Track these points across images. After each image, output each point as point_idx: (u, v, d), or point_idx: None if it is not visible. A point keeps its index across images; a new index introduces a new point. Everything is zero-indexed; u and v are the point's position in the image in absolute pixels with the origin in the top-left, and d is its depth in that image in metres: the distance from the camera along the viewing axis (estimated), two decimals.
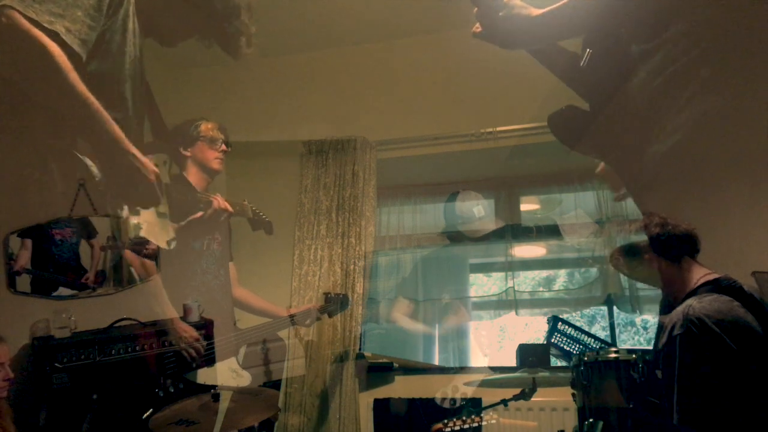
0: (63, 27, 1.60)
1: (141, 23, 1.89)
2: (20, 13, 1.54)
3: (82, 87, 1.67)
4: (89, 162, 1.83)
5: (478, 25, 1.73)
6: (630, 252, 1.90)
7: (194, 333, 2.29)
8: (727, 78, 1.73)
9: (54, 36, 1.59)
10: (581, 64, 1.80)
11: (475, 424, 2.28)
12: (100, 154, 1.83)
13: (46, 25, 1.57)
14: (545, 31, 1.70)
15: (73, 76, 1.64)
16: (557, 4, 1.65)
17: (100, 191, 1.88)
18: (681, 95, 1.69)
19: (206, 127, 2.69)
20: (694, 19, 1.65)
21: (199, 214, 2.46)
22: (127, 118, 1.85)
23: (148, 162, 1.92)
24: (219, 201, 2.54)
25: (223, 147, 2.71)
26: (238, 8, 2.05)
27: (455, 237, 3.72)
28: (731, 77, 1.73)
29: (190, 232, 2.48)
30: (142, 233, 2.03)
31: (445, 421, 2.30)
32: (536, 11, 1.66)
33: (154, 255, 2.20)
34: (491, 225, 3.59)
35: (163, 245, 2.13)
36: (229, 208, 2.58)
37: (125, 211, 2.00)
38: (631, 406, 1.98)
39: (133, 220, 2.00)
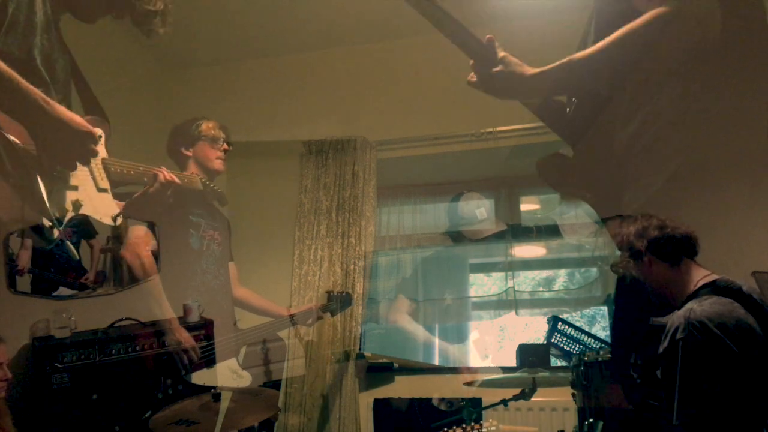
0: None
1: None
2: None
3: None
4: (12, 138, 1.73)
5: (473, 74, 1.81)
6: (628, 255, 1.90)
7: (190, 339, 2.27)
8: (726, 79, 1.74)
9: None
10: (567, 112, 1.91)
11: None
12: (26, 123, 1.73)
13: None
14: (537, 89, 1.79)
15: None
16: (550, 66, 1.73)
17: (28, 164, 1.76)
18: (655, 132, 1.78)
19: (207, 126, 2.68)
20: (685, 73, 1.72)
21: (145, 188, 2.24)
22: (47, 92, 1.74)
23: (79, 120, 1.82)
24: (164, 173, 2.30)
25: (225, 146, 2.70)
26: None
27: (458, 237, 3.72)
28: (730, 78, 1.74)
29: (173, 217, 2.38)
30: (83, 210, 1.91)
31: (445, 429, 2.30)
32: (530, 70, 1.73)
33: (155, 255, 2.20)
34: (493, 227, 3.58)
35: (107, 221, 2.02)
36: (176, 180, 2.33)
37: (70, 180, 1.90)
38: (630, 407, 1.98)
39: (71, 196, 1.88)
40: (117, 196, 2.06)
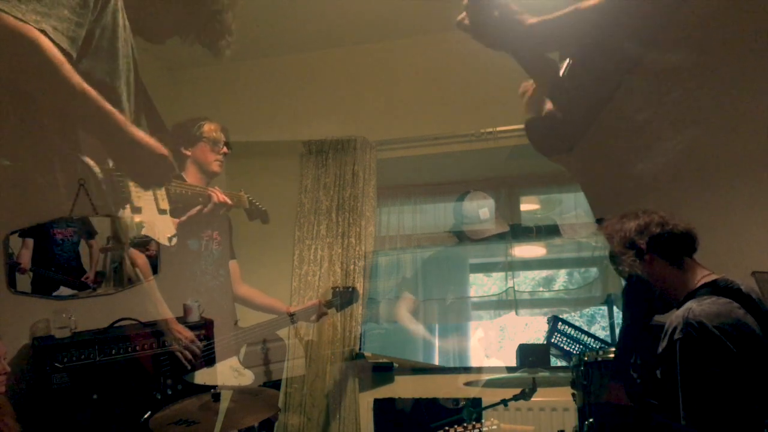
0: (50, 26, 1.59)
1: (130, 20, 1.87)
2: (7, 13, 1.53)
3: (77, 78, 1.65)
4: (91, 162, 1.82)
5: (465, 15, 1.67)
6: (631, 253, 1.89)
7: (190, 335, 2.28)
8: (727, 78, 1.73)
9: (42, 34, 1.58)
10: (561, 73, 1.79)
11: (476, 431, 2.28)
12: (107, 143, 1.82)
13: (33, 24, 1.56)
14: (536, 40, 1.67)
15: (67, 68, 1.62)
16: (552, 15, 1.62)
17: (105, 189, 1.86)
18: (672, 121, 1.73)
19: (209, 128, 2.68)
20: (688, 35, 1.66)
21: (198, 208, 2.41)
22: (123, 114, 1.84)
23: (155, 142, 1.90)
24: (218, 194, 2.47)
25: (224, 149, 2.70)
26: (225, 6, 2.04)
27: (463, 236, 3.72)
28: (731, 78, 1.73)
29: (191, 228, 2.46)
30: (144, 231, 2.02)
31: (446, 428, 2.30)
32: (531, 19, 1.63)
33: (155, 256, 2.20)
34: (496, 228, 3.58)
35: (164, 242, 2.11)
36: (229, 201, 2.52)
37: (135, 202, 1.98)
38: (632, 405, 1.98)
39: (136, 218, 1.99)
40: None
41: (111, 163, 1.87)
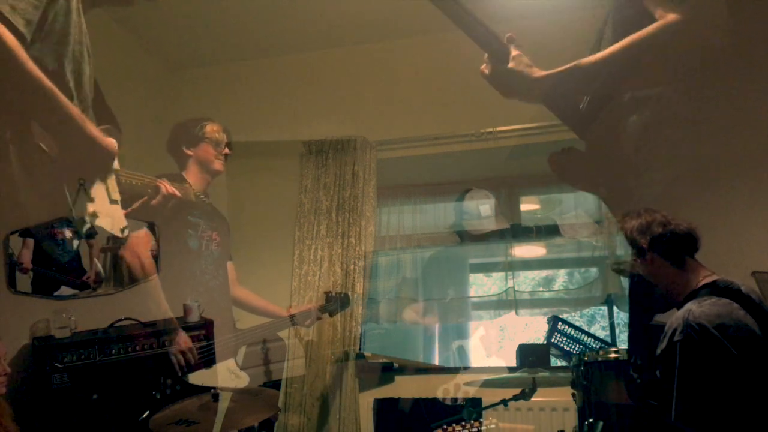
0: (8, 6, 1.53)
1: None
2: None
3: (32, 66, 1.60)
4: (43, 146, 1.77)
5: (485, 66, 1.82)
6: (632, 252, 1.90)
7: (189, 342, 2.27)
8: (729, 81, 1.74)
9: None
10: (581, 107, 1.93)
11: (475, 429, 2.28)
12: (55, 132, 1.77)
13: None
14: (542, 92, 1.79)
15: (22, 55, 1.58)
16: (556, 70, 1.74)
17: (54, 174, 1.82)
18: (662, 157, 1.80)
19: (212, 129, 2.69)
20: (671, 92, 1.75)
21: (143, 199, 2.34)
22: (71, 101, 1.79)
23: (104, 137, 1.89)
24: (166, 186, 2.41)
25: (226, 150, 2.71)
26: None
27: (464, 236, 3.72)
28: (733, 80, 1.74)
29: (146, 217, 2.41)
30: (97, 222, 1.98)
31: (445, 426, 2.30)
32: (537, 72, 1.75)
33: (154, 256, 2.20)
34: (497, 224, 3.58)
35: (117, 233, 2.07)
36: (177, 193, 2.45)
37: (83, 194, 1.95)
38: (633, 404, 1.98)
39: (89, 208, 1.95)
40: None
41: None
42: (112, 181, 2.04)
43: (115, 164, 2.05)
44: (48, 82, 1.65)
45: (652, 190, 1.85)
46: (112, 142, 1.93)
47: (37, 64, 1.63)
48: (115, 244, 2.13)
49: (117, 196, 2.05)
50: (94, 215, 1.95)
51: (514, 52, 1.76)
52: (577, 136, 2.03)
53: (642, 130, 1.83)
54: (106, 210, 1.99)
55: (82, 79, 1.85)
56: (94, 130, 1.83)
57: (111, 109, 2.11)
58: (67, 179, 1.85)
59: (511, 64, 1.75)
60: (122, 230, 2.08)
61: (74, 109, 1.75)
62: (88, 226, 1.94)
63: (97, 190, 1.98)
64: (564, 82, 1.75)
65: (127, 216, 2.14)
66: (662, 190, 1.83)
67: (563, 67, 1.74)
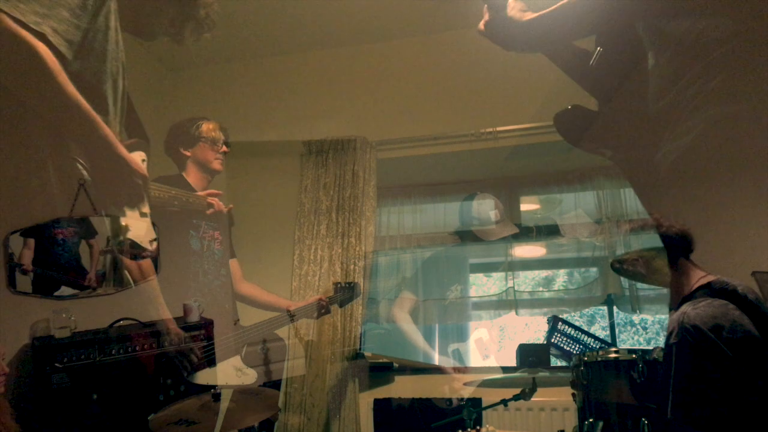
0: (49, 27, 1.57)
1: (123, 20, 1.87)
2: (5, 13, 1.50)
3: (72, 89, 1.65)
4: (81, 164, 1.83)
5: (483, 22, 1.74)
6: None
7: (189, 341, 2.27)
8: (734, 80, 1.73)
9: (40, 37, 1.56)
10: (591, 62, 1.80)
11: None
12: (91, 155, 1.82)
13: (32, 26, 1.54)
14: (539, 36, 1.70)
15: (63, 78, 1.62)
16: (548, 9, 1.65)
17: (92, 191, 1.88)
18: (692, 101, 1.69)
19: (208, 128, 2.69)
20: (704, 25, 1.64)
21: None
22: (108, 118, 1.84)
23: (136, 162, 1.94)
24: (216, 203, 2.53)
25: (224, 148, 2.70)
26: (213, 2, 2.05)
27: (465, 236, 3.72)
28: (738, 79, 1.73)
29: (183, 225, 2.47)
30: (130, 235, 2.04)
31: None
32: (528, 15, 1.67)
33: (154, 256, 2.20)
34: (507, 230, 3.57)
35: (146, 246, 2.13)
36: (224, 210, 2.57)
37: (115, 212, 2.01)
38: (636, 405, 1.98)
39: (122, 221, 2.02)
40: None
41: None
42: None
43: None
44: (84, 103, 1.69)
45: (682, 142, 1.73)
46: (143, 167, 1.98)
47: (76, 80, 1.68)
48: (116, 244, 2.13)
49: (147, 209, 2.10)
50: (126, 229, 2.02)
51: (510, 0, 1.69)
52: (592, 95, 1.90)
53: (663, 77, 1.72)
54: (136, 223, 2.05)
55: (117, 94, 1.90)
56: (126, 153, 1.88)
57: (140, 122, 2.18)
58: (100, 198, 1.91)
59: (506, 11, 1.67)
60: (151, 242, 2.13)
61: (108, 131, 1.79)
62: (120, 239, 2.01)
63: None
64: (559, 22, 1.65)
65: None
66: (660, 191, 1.79)
67: (554, 6, 1.64)
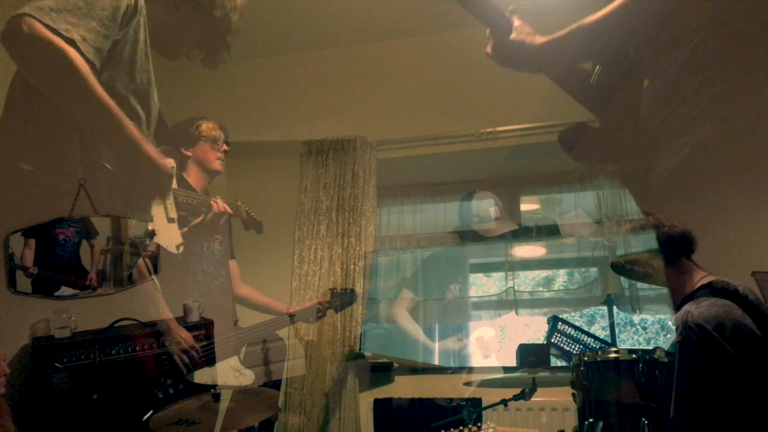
0: (79, 36, 1.65)
1: (149, 36, 1.94)
2: (38, 20, 1.60)
3: (101, 91, 1.72)
4: (108, 166, 1.89)
5: (490, 45, 1.76)
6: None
7: (190, 340, 2.28)
8: (730, 79, 1.73)
9: (71, 44, 1.65)
10: (591, 81, 1.83)
11: None
12: (120, 155, 1.89)
13: (63, 33, 1.62)
14: (548, 59, 1.74)
15: (92, 81, 1.69)
16: (559, 33, 1.68)
17: (115, 192, 1.93)
18: (683, 120, 1.72)
19: (207, 127, 2.69)
20: (700, 40, 1.67)
21: (201, 218, 2.48)
22: (139, 125, 1.91)
23: (163, 159, 1.99)
24: (219, 204, 2.55)
25: (224, 147, 2.71)
26: (233, 25, 2.11)
27: (465, 236, 3.72)
28: (734, 78, 1.73)
29: (193, 235, 2.49)
30: (156, 239, 2.08)
31: (443, 431, 2.30)
32: (539, 39, 1.69)
33: (154, 257, 2.20)
34: (507, 226, 3.57)
35: (173, 250, 2.17)
36: (229, 210, 2.60)
37: (141, 213, 2.05)
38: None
39: (149, 226, 2.05)
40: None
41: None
42: (170, 200, 2.16)
43: (174, 183, 2.18)
44: (113, 105, 1.75)
45: (675, 159, 1.77)
46: (169, 164, 2.04)
47: (107, 90, 1.75)
48: (116, 244, 2.13)
49: (174, 214, 2.19)
50: (153, 233, 2.07)
51: (516, 23, 1.70)
52: (591, 113, 1.93)
53: (658, 95, 1.76)
54: (164, 228, 2.12)
55: (150, 104, 1.99)
56: (154, 151, 1.94)
57: (169, 130, 2.29)
58: (129, 198, 1.98)
59: (512, 35, 1.69)
60: (177, 247, 2.21)
61: (136, 131, 1.85)
62: (146, 243, 2.07)
63: (156, 209, 2.11)
64: (567, 46, 1.69)
65: (184, 234, 2.31)
66: (661, 191, 1.81)
67: (565, 30, 1.67)
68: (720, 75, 1.67)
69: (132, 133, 1.83)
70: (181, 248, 2.20)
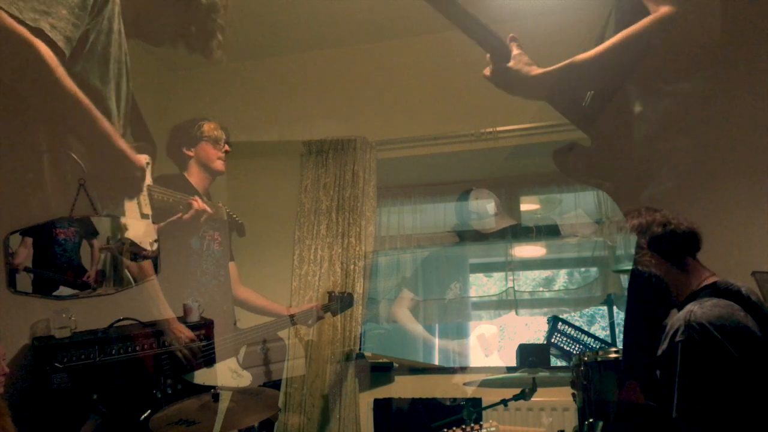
0: (48, 24, 1.59)
1: (126, 24, 1.88)
2: (3, 10, 1.54)
3: (69, 82, 1.66)
4: (76, 158, 1.83)
5: (488, 70, 1.85)
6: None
7: (190, 334, 2.28)
8: (728, 81, 1.74)
9: (39, 34, 1.59)
10: (584, 104, 1.92)
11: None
12: (90, 148, 1.84)
13: (30, 23, 1.57)
14: (541, 89, 1.82)
15: (61, 72, 1.63)
16: (552, 68, 1.76)
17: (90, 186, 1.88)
18: (671, 155, 1.79)
19: (209, 127, 2.70)
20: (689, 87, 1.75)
21: (178, 215, 2.43)
22: (111, 119, 1.85)
23: (134, 155, 1.95)
24: (198, 203, 2.50)
25: (226, 147, 2.71)
26: (219, 6, 2.05)
27: (464, 236, 3.72)
28: (731, 80, 1.74)
29: (173, 232, 2.46)
30: (128, 234, 2.04)
31: (444, 430, 2.30)
32: (535, 71, 1.77)
33: (154, 256, 2.20)
34: (505, 222, 3.58)
35: (146, 247, 2.13)
36: (209, 210, 2.54)
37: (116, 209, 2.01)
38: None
39: (120, 221, 2.02)
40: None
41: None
42: (143, 196, 2.11)
43: (148, 179, 2.13)
44: (83, 97, 1.70)
45: (664, 186, 1.84)
46: (141, 159, 1.99)
47: (79, 81, 1.70)
48: (116, 243, 2.13)
49: (148, 210, 2.13)
50: (125, 228, 2.01)
51: (515, 51, 1.78)
52: (583, 132, 2.04)
53: (650, 123, 1.82)
54: (136, 224, 2.06)
55: (121, 96, 1.92)
56: (125, 146, 1.89)
57: (147, 125, 2.19)
58: (98, 192, 1.91)
59: (511, 63, 1.77)
60: (152, 243, 2.13)
61: (107, 125, 1.80)
62: (117, 239, 2.01)
63: (129, 204, 2.06)
64: (561, 80, 1.77)
65: (159, 231, 2.23)
66: (672, 186, 1.83)
67: (559, 65, 1.76)
68: (709, 117, 1.74)
69: (103, 127, 1.78)
70: (156, 245, 2.17)
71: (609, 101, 1.87)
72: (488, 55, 1.81)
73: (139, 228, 2.07)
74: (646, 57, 1.73)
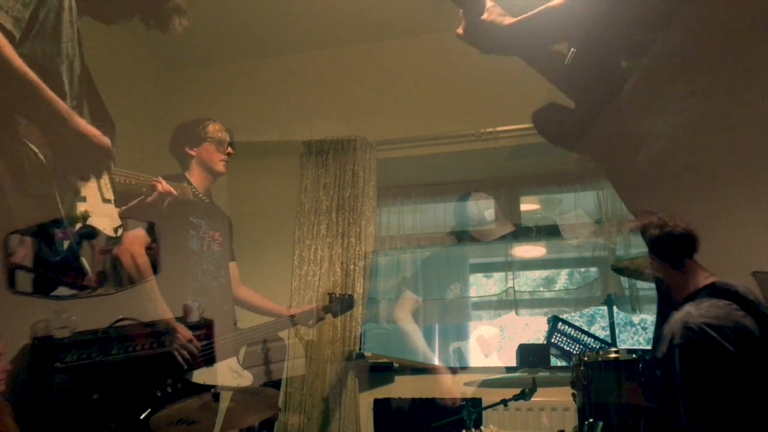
0: None
1: (77, 0, 1.80)
2: None
3: (18, 61, 1.59)
4: (34, 148, 1.73)
5: (462, 26, 1.75)
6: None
7: (189, 334, 2.28)
8: (727, 77, 1.73)
9: None
10: (565, 62, 1.82)
11: None
12: (47, 131, 1.74)
13: None
14: (516, 40, 1.72)
15: (8, 51, 1.56)
16: (527, 15, 1.66)
17: (44, 173, 1.76)
18: (672, 101, 1.71)
19: (214, 128, 2.69)
20: (688, 27, 1.66)
21: (140, 198, 2.29)
22: (64, 100, 1.77)
23: (96, 132, 1.85)
24: (162, 184, 2.35)
25: (229, 149, 2.71)
26: None
27: (462, 236, 3.72)
28: (731, 76, 1.73)
29: (142, 216, 2.39)
30: (90, 221, 1.96)
31: None
32: (508, 20, 1.68)
33: (153, 257, 2.20)
34: (502, 229, 3.57)
35: (110, 233, 2.06)
36: (173, 191, 2.38)
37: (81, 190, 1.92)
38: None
39: (81, 208, 1.90)
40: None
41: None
42: (105, 179, 2.01)
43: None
44: (34, 77, 1.62)
45: (660, 144, 1.76)
46: (105, 139, 1.88)
47: (29, 61, 1.62)
48: (112, 243, 2.13)
49: (110, 195, 2.02)
50: (86, 215, 1.92)
51: (489, 4, 1.69)
52: (565, 95, 1.89)
53: (642, 77, 1.75)
54: (98, 209, 1.96)
55: (74, 75, 1.84)
56: (85, 125, 1.81)
57: (105, 106, 2.07)
58: (58, 178, 1.81)
59: (484, 15, 1.68)
60: (116, 230, 2.05)
61: (63, 105, 1.72)
62: (79, 226, 1.91)
63: (90, 189, 1.95)
64: (536, 27, 1.68)
65: (121, 215, 2.10)
66: (660, 191, 1.80)
67: (533, 12, 1.66)
68: (715, 49, 1.64)
69: (59, 108, 1.70)
70: (120, 231, 2.08)
71: (593, 58, 1.80)
72: (461, 11, 1.72)
73: (102, 213, 1.97)
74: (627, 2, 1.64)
